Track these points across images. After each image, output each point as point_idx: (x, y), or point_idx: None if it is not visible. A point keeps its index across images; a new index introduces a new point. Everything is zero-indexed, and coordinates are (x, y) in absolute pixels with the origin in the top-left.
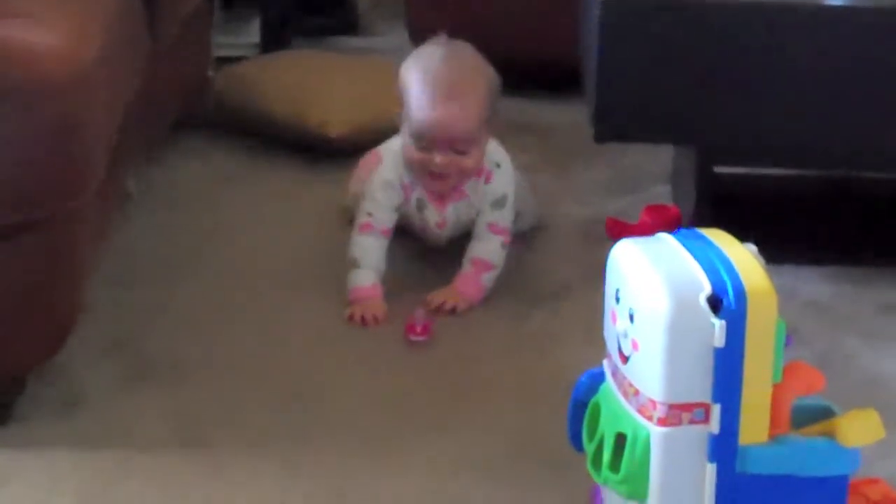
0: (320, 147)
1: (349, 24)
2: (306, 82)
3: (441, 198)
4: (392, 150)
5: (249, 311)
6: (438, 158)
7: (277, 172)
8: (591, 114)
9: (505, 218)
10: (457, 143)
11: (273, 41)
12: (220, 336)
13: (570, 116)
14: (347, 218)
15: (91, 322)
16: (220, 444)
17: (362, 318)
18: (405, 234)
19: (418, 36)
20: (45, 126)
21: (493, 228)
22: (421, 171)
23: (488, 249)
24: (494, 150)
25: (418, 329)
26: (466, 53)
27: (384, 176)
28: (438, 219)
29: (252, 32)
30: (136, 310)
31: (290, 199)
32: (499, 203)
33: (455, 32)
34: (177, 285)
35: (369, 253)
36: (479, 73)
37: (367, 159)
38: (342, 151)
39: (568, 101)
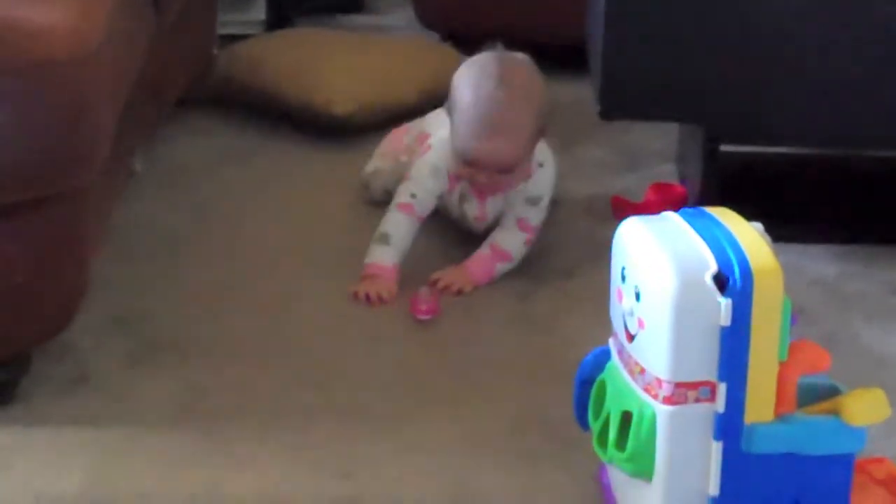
0: (326, 124)
1: (355, 2)
2: (312, 60)
3: (482, 192)
4: (441, 139)
5: (256, 288)
6: (483, 178)
7: (283, 150)
8: (597, 91)
9: (536, 217)
10: (502, 168)
11: (278, 19)
12: (227, 314)
13: (575, 93)
14: (364, 194)
15: (97, 299)
16: (227, 422)
17: (367, 297)
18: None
19: (424, 13)
20: (51, 104)
21: (521, 224)
22: (466, 176)
23: (510, 241)
24: (540, 150)
25: (423, 308)
26: (520, 73)
27: (434, 162)
28: (478, 213)
29: (257, 10)
30: (143, 287)
31: (296, 177)
32: (533, 201)
33: (460, 9)
34: (183, 263)
35: (401, 232)
36: (531, 98)
37: (394, 135)
38: (348, 129)
39: (573, 78)
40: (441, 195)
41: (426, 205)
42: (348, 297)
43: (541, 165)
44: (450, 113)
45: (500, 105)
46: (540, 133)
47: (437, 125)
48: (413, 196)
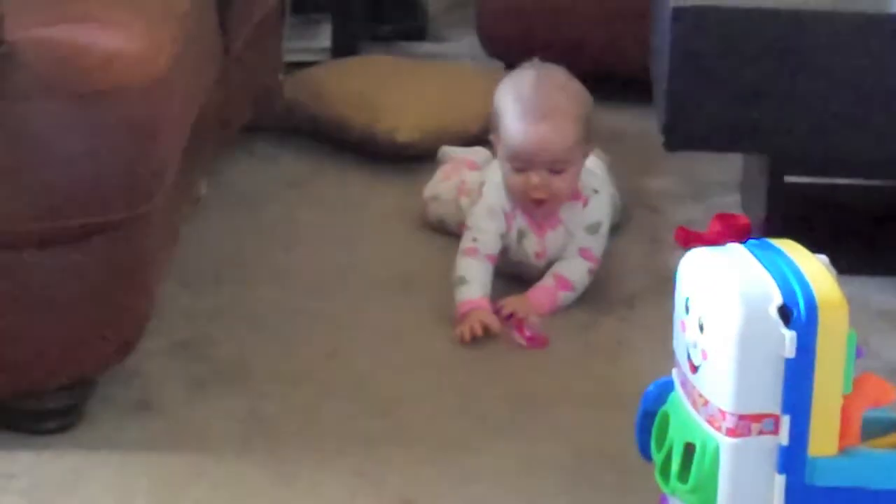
0: (389, 152)
1: (419, 30)
2: (376, 88)
3: (541, 226)
4: (493, 182)
5: (319, 314)
6: (535, 178)
7: (347, 177)
8: (662, 122)
9: (597, 246)
10: (552, 163)
11: (344, 46)
12: (290, 340)
13: (639, 124)
14: (424, 216)
15: (162, 324)
16: (289, 450)
17: (472, 333)
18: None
19: (488, 41)
20: (121, 130)
21: (583, 253)
22: (521, 195)
23: (574, 270)
24: (593, 177)
25: (528, 333)
26: (559, 76)
27: (488, 203)
28: (538, 248)
29: (323, 38)
30: (207, 312)
31: (359, 204)
32: (593, 228)
33: (525, 38)
34: (247, 289)
35: (475, 271)
36: (572, 94)
37: (449, 167)
38: (412, 156)
39: (638, 109)
40: (503, 234)
41: (490, 245)
42: (456, 340)
43: (595, 192)
44: (495, 129)
45: (544, 93)
46: (587, 140)
47: (492, 174)
48: (475, 240)
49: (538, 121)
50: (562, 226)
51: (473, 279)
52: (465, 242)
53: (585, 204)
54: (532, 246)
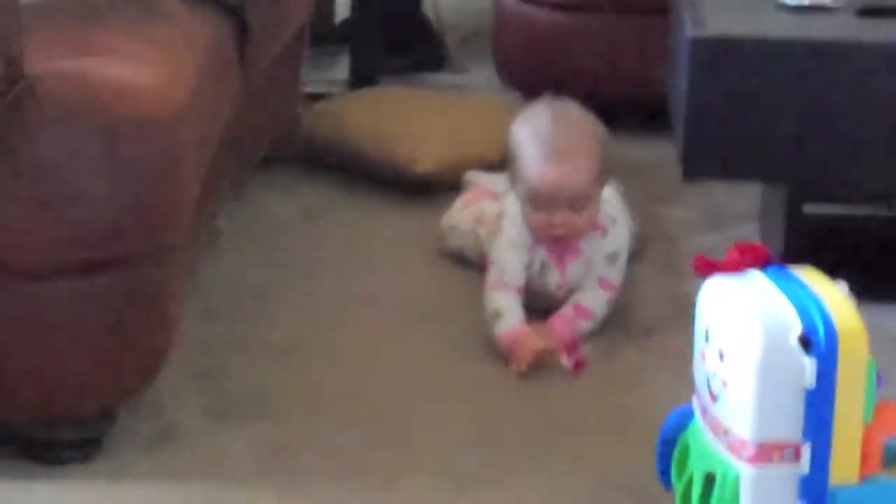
0: (408, 183)
1: (437, 61)
2: (395, 119)
3: (562, 258)
4: (512, 216)
5: (338, 344)
6: (558, 219)
7: (366, 208)
8: (680, 151)
9: (616, 275)
10: (572, 201)
11: (362, 78)
12: (310, 370)
13: (657, 153)
14: (442, 246)
15: (181, 355)
16: (310, 480)
17: (527, 360)
18: None
19: (505, 72)
20: (138, 163)
21: (602, 283)
22: (542, 233)
23: (593, 300)
24: (611, 206)
25: (575, 359)
26: (574, 112)
27: (510, 237)
28: (560, 280)
29: (341, 69)
30: (226, 343)
31: (378, 235)
32: (612, 258)
33: (541, 68)
34: (266, 319)
35: (508, 302)
36: (589, 131)
37: (468, 196)
38: (430, 188)
39: (655, 138)
40: (526, 267)
41: (516, 277)
42: (518, 377)
43: (614, 222)
44: (512, 167)
45: (561, 132)
46: (605, 174)
47: (511, 206)
48: (502, 274)
49: (557, 162)
50: (582, 256)
51: (509, 310)
52: (493, 277)
53: (604, 234)
54: (554, 278)
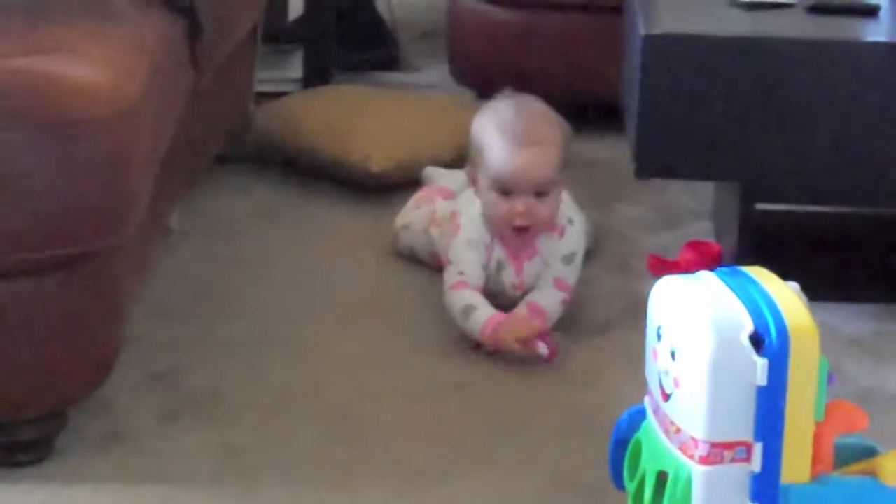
0: (363, 182)
1: (391, 60)
2: (348, 117)
3: (518, 257)
4: (470, 216)
5: (291, 344)
6: (520, 205)
7: (320, 207)
8: (633, 149)
9: (572, 275)
10: (538, 186)
11: (315, 76)
12: (262, 369)
13: (610, 152)
14: (395, 246)
15: (133, 355)
16: (263, 481)
17: (524, 342)
18: None
19: (459, 71)
20: (89, 161)
21: (558, 283)
22: (504, 224)
23: (547, 300)
24: (568, 206)
25: (551, 346)
26: (536, 104)
27: (467, 236)
28: (516, 280)
29: (294, 67)
30: (178, 343)
31: (332, 234)
32: (568, 259)
33: (495, 67)
34: (219, 319)
35: (475, 297)
36: (552, 121)
37: (426, 190)
38: (385, 186)
39: (609, 137)
40: (484, 266)
41: (475, 276)
42: (532, 358)
43: (571, 222)
44: (474, 161)
45: (525, 121)
46: (564, 164)
47: (466, 205)
48: (461, 273)
49: (524, 146)
50: (538, 256)
51: (480, 304)
52: (452, 277)
53: (561, 234)
54: (510, 278)
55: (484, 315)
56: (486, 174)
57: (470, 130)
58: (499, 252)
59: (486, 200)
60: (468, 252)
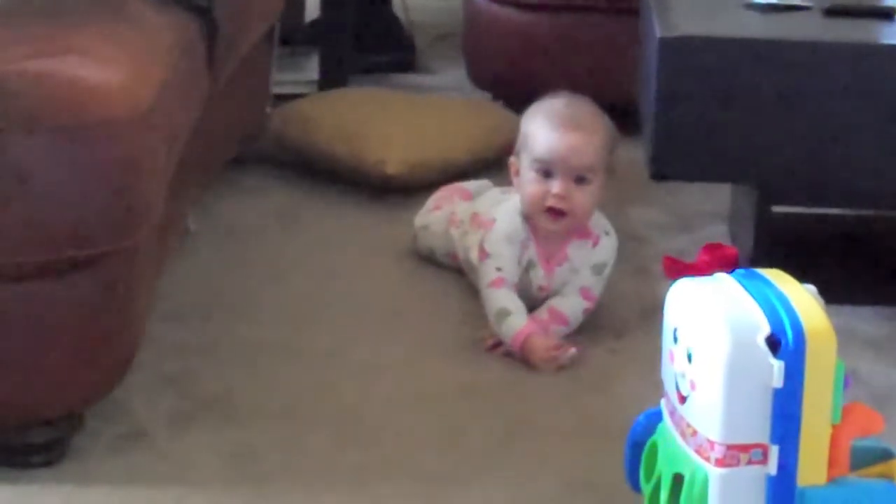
0: (378, 184)
1: (407, 62)
2: (364, 119)
3: (549, 260)
4: (506, 210)
5: (306, 347)
6: (558, 187)
7: (335, 209)
8: (649, 152)
9: (598, 287)
10: (578, 170)
11: (331, 78)
12: (277, 372)
13: (626, 154)
14: (413, 247)
15: (148, 357)
16: (276, 483)
17: (549, 360)
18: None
19: (475, 74)
20: (105, 163)
21: (584, 292)
22: (539, 205)
23: (571, 307)
24: (604, 219)
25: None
26: (587, 101)
27: (504, 231)
28: (543, 282)
29: (310, 70)
30: (194, 346)
31: (347, 236)
32: (598, 269)
33: (511, 69)
34: (234, 321)
35: (512, 299)
36: (600, 116)
37: (445, 190)
38: (400, 188)
39: (624, 139)
40: (519, 261)
41: (512, 272)
42: (548, 371)
43: (606, 234)
44: (520, 149)
45: (573, 109)
46: (609, 170)
47: (488, 205)
48: (499, 269)
49: (569, 130)
50: (568, 262)
51: (515, 308)
52: (490, 273)
53: (595, 243)
54: (538, 279)
55: (517, 323)
56: (528, 156)
57: (502, 141)
58: (532, 252)
59: (525, 180)
60: (505, 246)
